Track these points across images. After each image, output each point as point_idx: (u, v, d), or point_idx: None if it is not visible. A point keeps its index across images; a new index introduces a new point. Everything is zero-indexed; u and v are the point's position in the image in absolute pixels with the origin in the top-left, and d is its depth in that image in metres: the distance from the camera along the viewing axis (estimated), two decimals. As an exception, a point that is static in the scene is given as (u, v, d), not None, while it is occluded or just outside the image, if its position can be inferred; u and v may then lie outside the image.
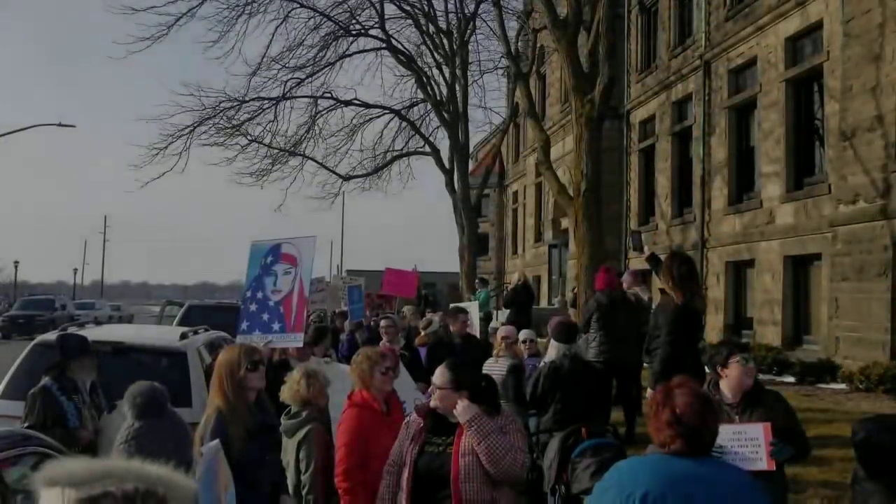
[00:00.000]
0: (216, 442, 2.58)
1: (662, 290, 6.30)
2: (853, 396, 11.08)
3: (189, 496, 2.08)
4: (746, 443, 3.61)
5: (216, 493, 2.30)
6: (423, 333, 8.39)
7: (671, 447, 2.65)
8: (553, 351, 6.35)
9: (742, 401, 3.89)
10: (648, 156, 23.42)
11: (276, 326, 6.57)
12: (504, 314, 17.97)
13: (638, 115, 23.76)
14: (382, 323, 8.25)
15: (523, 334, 7.51)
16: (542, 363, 6.53)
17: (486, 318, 17.41)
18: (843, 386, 11.92)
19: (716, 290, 18.20)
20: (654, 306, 10.19)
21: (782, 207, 15.86)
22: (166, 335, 7.24)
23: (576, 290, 15.69)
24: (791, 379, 12.42)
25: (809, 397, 10.97)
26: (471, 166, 34.95)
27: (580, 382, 6.02)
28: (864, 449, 3.24)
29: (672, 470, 2.62)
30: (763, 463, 3.59)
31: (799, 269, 15.65)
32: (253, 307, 6.67)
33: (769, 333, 15.66)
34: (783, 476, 3.92)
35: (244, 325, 6.62)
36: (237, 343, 4.34)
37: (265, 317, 6.63)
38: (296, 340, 6.73)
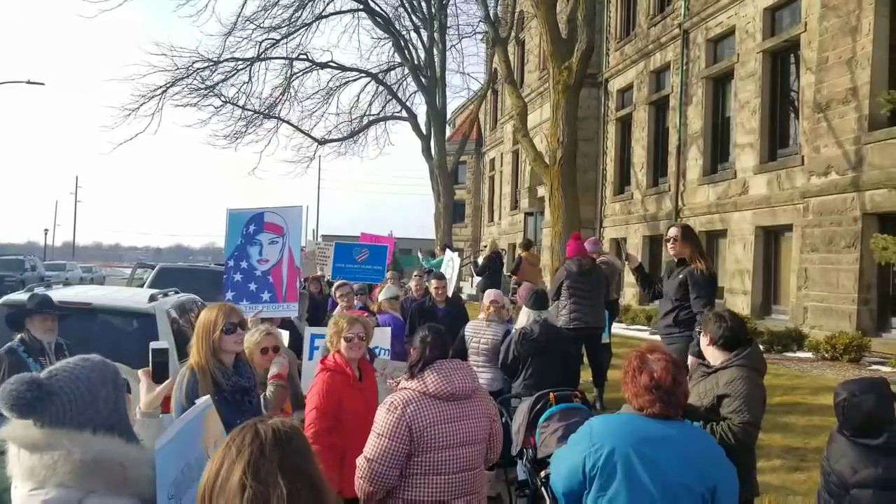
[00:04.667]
0: (207, 397, 2.56)
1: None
2: (818, 365, 11.29)
3: (145, 464, 2.04)
4: None
5: (201, 446, 2.28)
6: (381, 300, 8.18)
7: (649, 410, 2.79)
8: (524, 317, 6.38)
9: (702, 369, 3.93)
10: (625, 125, 23.42)
11: (265, 296, 6.60)
12: (475, 282, 17.98)
13: (616, 84, 23.69)
14: (338, 289, 8.09)
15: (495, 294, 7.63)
16: (513, 330, 6.57)
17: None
18: (809, 355, 12.14)
19: (688, 259, 18.35)
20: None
21: (756, 178, 15.97)
22: (135, 297, 7.15)
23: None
24: (759, 348, 12.62)
25: (776, 366, 11.16)
26: (448, 132, 34.80)
27: (550, 349, 6.07)
28: (846, 409, 3.35)
29: (642, 430, 2.76)
30: None
31: (770, 239, 15.83)
32: (238, 277, 6.62)
33: (739, 302, 15.87)
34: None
35: (229, 295, 6.58)
36: (219, 303, 4.27)
37: (252, 286, 6.62)
38: (289, 310, 6.77)
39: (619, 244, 6.81)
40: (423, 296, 8.48)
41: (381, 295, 8.14)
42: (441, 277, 8.32)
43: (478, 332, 6.80)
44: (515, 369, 6.17)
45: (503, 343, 6.40)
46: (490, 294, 7.02)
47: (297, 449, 1.71)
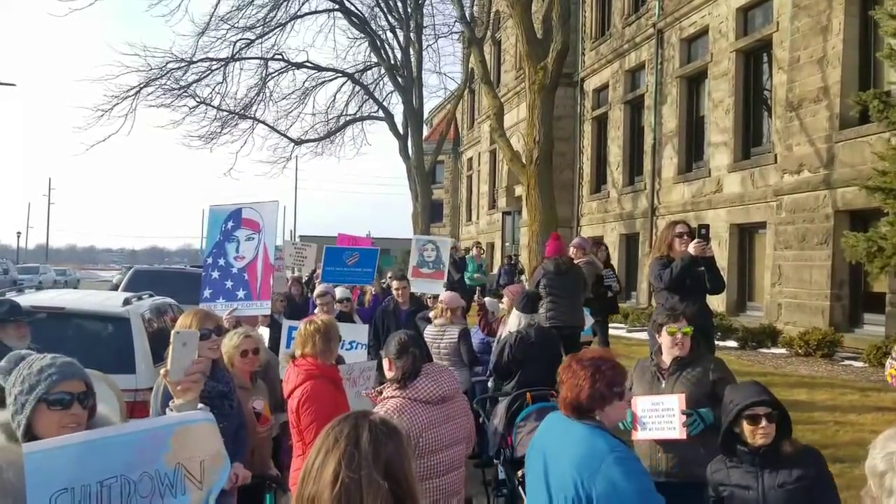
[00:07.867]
0: (187, 413, 2.45)
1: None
2: (792, 361, 11.43)
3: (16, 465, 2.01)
4: (663, 413, 3.77)
5: (162, 462, 2.22)
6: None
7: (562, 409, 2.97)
8: (515, 320, 6.37)
9: (671, 366, 3.97)
10: (601, 124, 23.55)
11: (240, 294, 6.46)
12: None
13: (591, 83, 23.82)
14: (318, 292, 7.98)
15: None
16: (505, 332, 6.56)
17: None
18: (783, 351, 12.28)
19: (664, 257, 18.50)
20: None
21: (729, 177, 16.13)
22: (109, 301, 7.05)
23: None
24: (734, 344, 12.75)
25: (750, 362, 11.28)
26: (425, 132, 34.79)
27: (544, 350, 6.08)
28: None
29: (554, 426, 2.95)
30: (676, 432, 3.71)
31: (744, 237, 15.99)
32: (215, 274, 6.51)
33: (714, 299, 15.96)
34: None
35: (206, 293, 6.47)
36: (195, 308, 4.25)
37: (229, 284, 6.50)
38: (262, 308, 6.63)
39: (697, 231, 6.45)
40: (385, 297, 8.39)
41: (337, 294, 8.09)
42: (402, 278, 8.25)
43: (437, 336, 6.88)
44: (509, 371, 6.17)
45: (497, 345, 6.40)
46: (442, 297, 7.16)
47: (395, 447, 1.75)
